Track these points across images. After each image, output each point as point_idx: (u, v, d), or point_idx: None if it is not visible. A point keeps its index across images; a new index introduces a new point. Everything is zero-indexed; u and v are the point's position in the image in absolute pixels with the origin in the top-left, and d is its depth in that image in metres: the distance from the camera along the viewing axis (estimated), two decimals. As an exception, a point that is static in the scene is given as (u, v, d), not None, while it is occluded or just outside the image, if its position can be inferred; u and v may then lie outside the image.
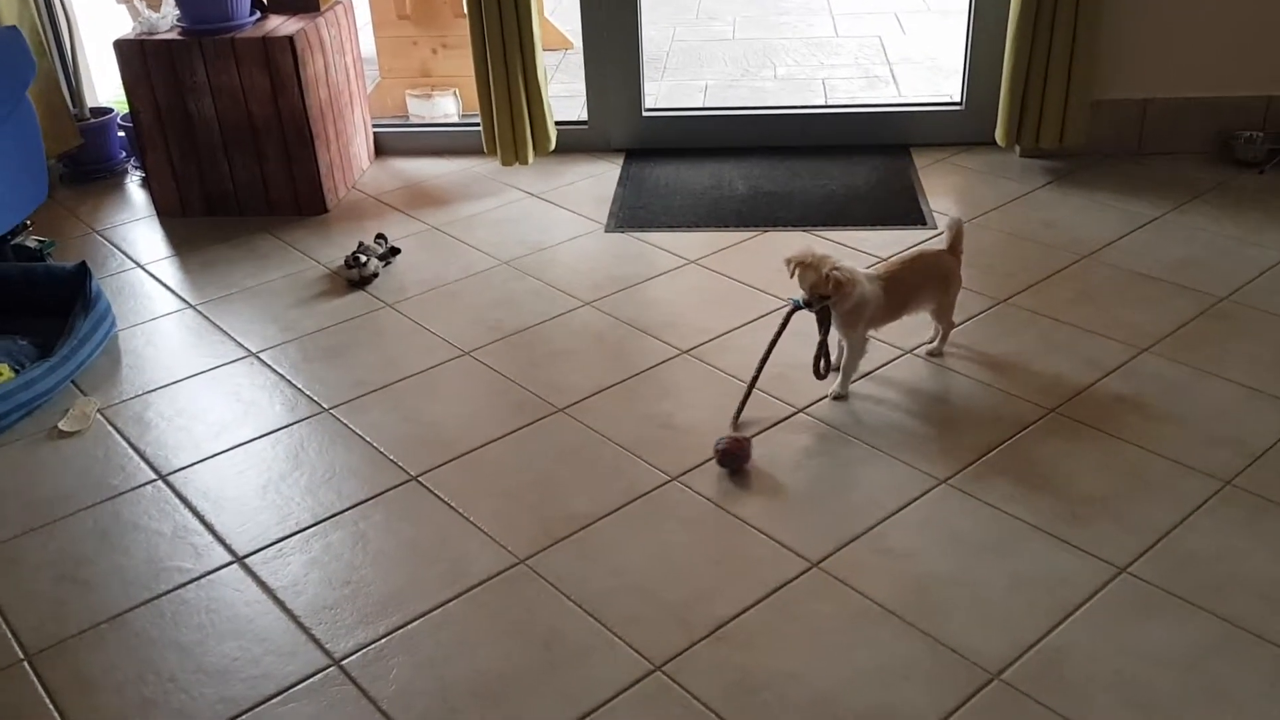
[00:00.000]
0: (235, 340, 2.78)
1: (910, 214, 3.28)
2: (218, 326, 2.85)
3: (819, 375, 2.40)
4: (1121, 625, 1.80)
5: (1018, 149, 3.62)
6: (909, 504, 2.09)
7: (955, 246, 2.50)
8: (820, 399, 2.41)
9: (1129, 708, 1.65)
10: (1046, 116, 3.41)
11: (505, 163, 3.58)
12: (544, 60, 3.54)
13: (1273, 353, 2.51)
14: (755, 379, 2.40)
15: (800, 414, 2.38)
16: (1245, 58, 3.45)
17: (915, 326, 2.62)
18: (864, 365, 2.50)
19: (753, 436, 2.29)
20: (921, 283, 2.45)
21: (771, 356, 2.40)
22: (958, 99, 3.75)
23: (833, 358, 2.46)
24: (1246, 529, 1.99)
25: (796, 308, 2.33)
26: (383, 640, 1.84)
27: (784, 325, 2.39)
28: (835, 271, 2.25)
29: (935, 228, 3.18)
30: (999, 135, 3.49)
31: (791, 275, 2.32)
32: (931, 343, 2.58)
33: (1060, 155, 3.60)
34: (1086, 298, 2.77)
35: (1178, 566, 1.91)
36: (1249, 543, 1.96)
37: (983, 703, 1.67)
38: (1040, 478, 2.14)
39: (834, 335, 2.38)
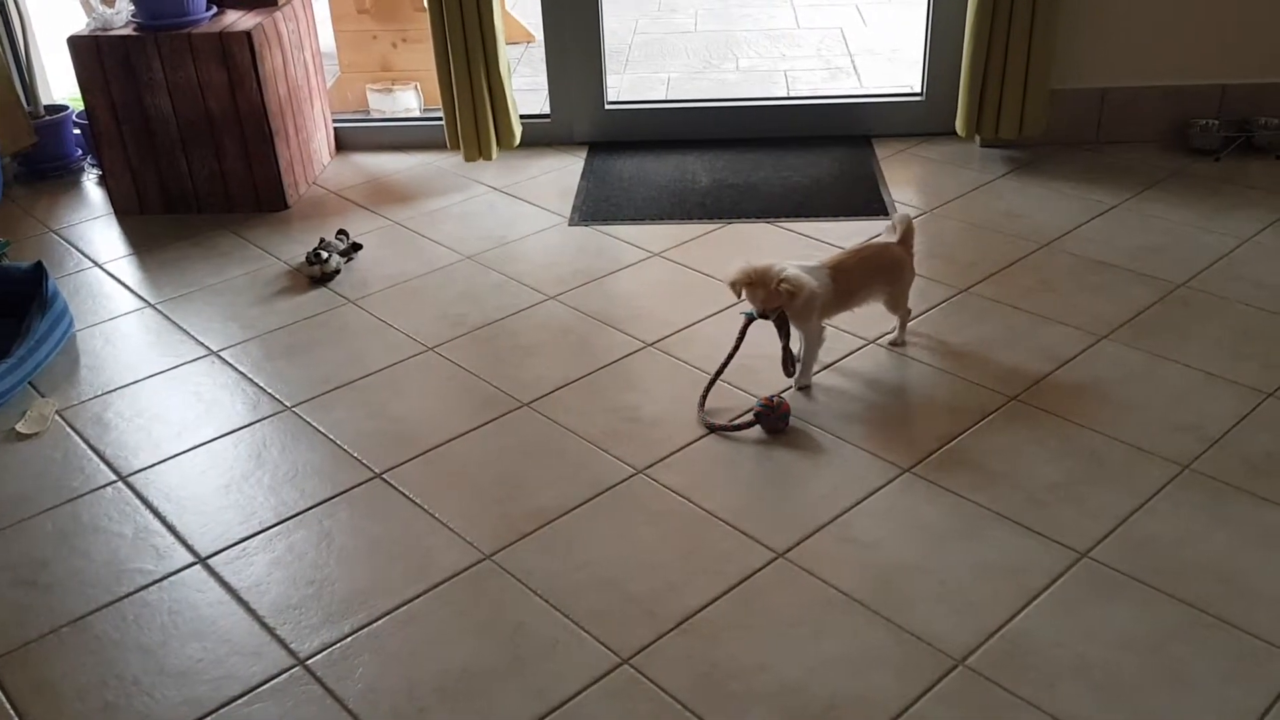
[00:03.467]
0: (195, 339, 2.75)
1: (872, 204, 3.29)
2: (178, 325, 2.82)
3: (790, 373, 2.42)
4: (1083, 610, 1.82)
5: (978, 139, 3.65)
6: (873, 493, 2.10)
7: (906, 240, 2.51)
8: (783, 390, 2.42)
9: (1092, 691, 1.67)
10: (1006, 107, 3.43)
11: (468, 158, 3.57)
12: (506, 54, 3.52)
13: (1229, 338, 2.54)
14: (713, 382, 2.42)
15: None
16: (1201, 47, 3.49)
17: (877, 317, 2.64)
18: (826, 356, 2.51)
19: (717, 429, 2.30)
20: (870, 272, 2.45)
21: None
22: (918, 90, 3.77)
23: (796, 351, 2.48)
24: (1205, 513, 2.02)
25: (752, 319, 2.35)
26: (348, 639, 1.83)
27: (742, 336, 2.40)
28: (785, 284, 2.25)
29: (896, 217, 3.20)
30: (959, 125, 3.52)
31: (739, 297, 2.33)
32: (892, 333, 2.59)
33: (1020, 145, 3.63)
34: (1046, 286, 2.80)
35: (1138, 551, 1.93)
36: (1208, 526, 1.98)
37: (948, 689, 1.68)
38: (1002, 465, 2.16)
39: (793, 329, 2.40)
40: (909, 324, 2.59)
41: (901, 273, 2.51)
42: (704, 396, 2.40)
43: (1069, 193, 3.32)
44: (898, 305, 2.54)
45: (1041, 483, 2.11)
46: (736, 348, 2.41)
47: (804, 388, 2.43)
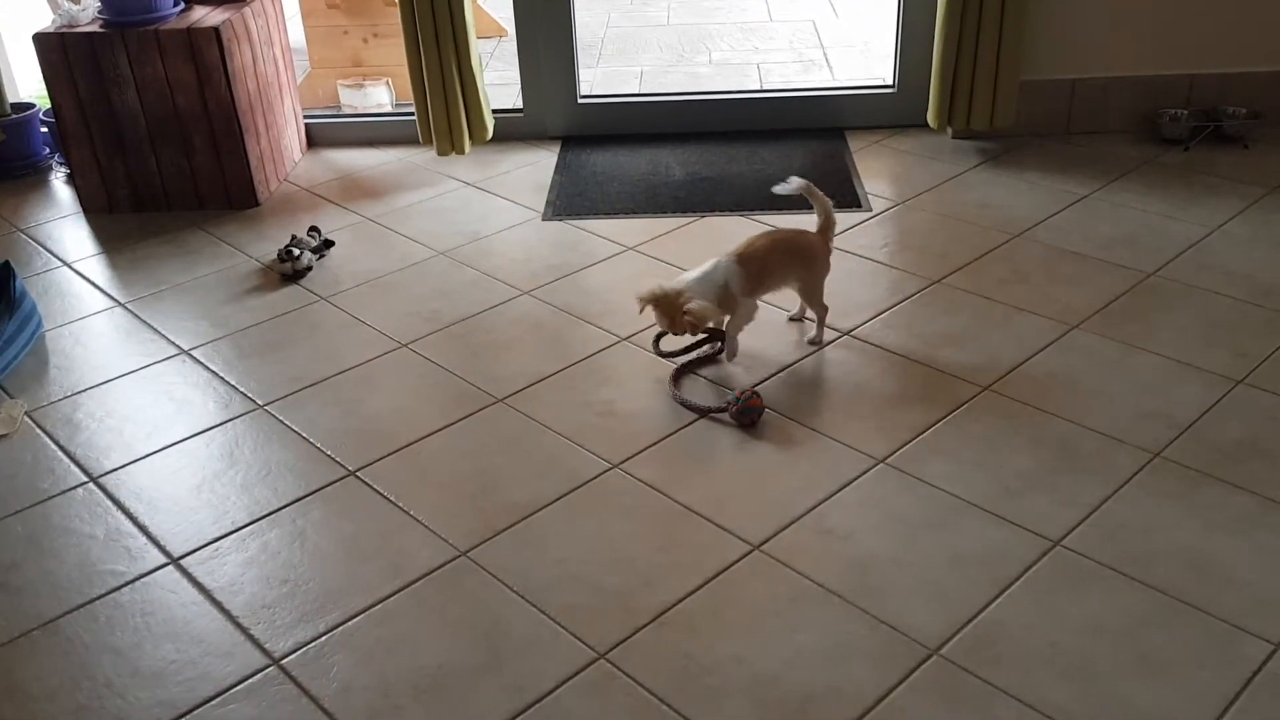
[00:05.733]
0: (166, 338, 2.73)
1: (844, 196, 3.30)
2: (148, 324, 2.80)
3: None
4: (1056, 598, 1.83)
5: (949, 131, 3.66)
6: (848, 484, 2.11)
7: (825, 230, 2.53)
8: (759, 383, 2.42)
9: (1065, 678, 1.68)
10: (977, 98, 3.45)
11: (441, 152, 3.55)
12: (478, 48, 3.51)
13: (1199, 326, 2.56)
14: (682, 370, 2.46)
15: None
16: (1169, 37, 3.51)
17: (847, 311, 2.65)
18: (799, 350, 2.54)
19: (694, 421, 2.31)
20: (780, 256, 2.47)
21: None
22: (890, 82, 3.78)
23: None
24: (1176, 500, 2.03)
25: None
26: (323, 638, 1.82)
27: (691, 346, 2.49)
28: (689, 317, 2.32)
29: (870, 210, 3.21)
30: (931, 117, 3.53)
31: (640, 312, 2.40)
32: (812, 330, 2.59)
33: (991, 136, 3.65)
34: (1018, 276, 2.81)
35: (1110, 538, 1.95)
36: (1178, 513, 2.00)
37: (923, 678, 1.69)
38: (975, 455, 2.17)
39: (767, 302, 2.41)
40: (826, 320, 2.57)
41: (814, 261, 2.51)
42: (675, 379, 2.43)
43: (1040, 183, 3.33)
44: (812, 296, 2.55)
45: (1014, 472, 2.12)
46: (691, 349, 2.50)
47: (730, 356, 2.49)
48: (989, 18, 3.32)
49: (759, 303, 2.50)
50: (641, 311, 2.38)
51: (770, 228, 2.57)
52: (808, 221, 3.17)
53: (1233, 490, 2.05)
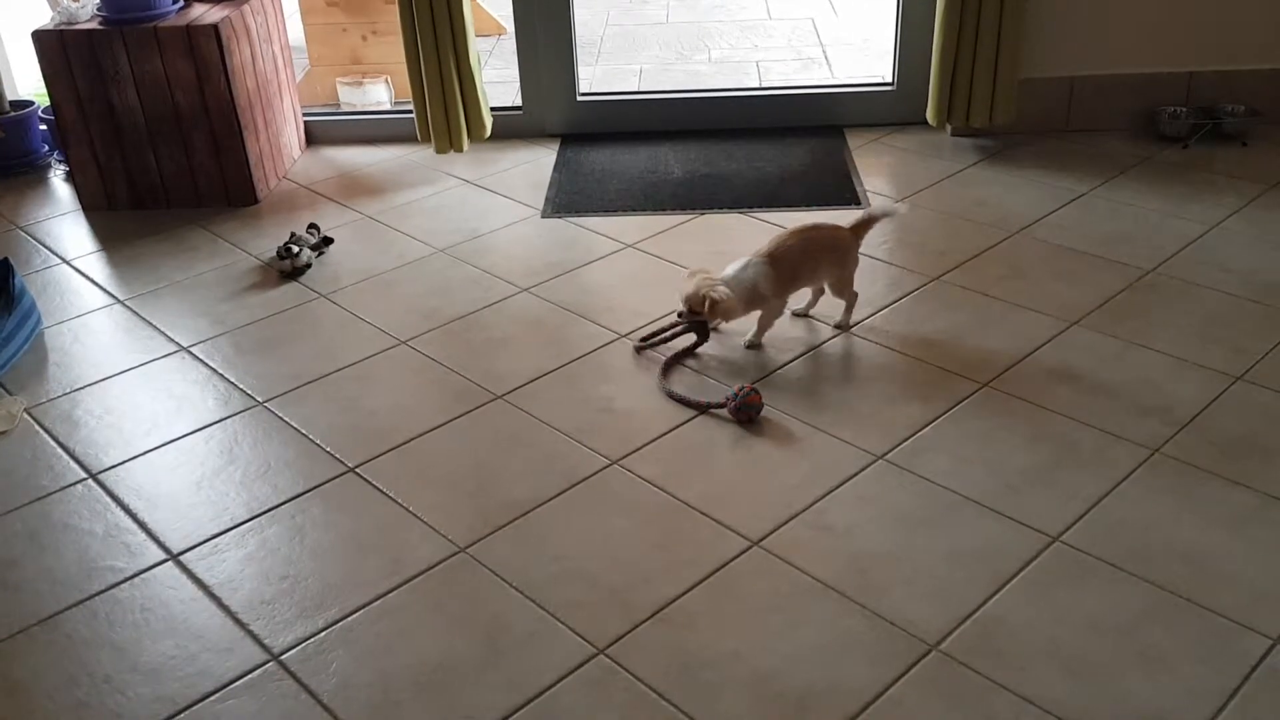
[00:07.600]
0: (165, 335, 2.73)
1: (844, 194, 3.30)
2: (147, 321, 2.80)
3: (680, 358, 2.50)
4: (1055, 593, 1.83)
5: (949, 128, 3.66)
6: (847, 480, 2.11)
7: (861, 227, 2.56)
8: (759, 380, 2.43)
9: (1064, 674, 1.68)
10: (976, 96, 3.45)
11: (439, 150, 3.55)
12: (476, 46, 3.51)
13: (1197, 323, 2.56)
14: (674, 361, 2.48)
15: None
16: (1168, 34, 3.51)
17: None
18: (800, 345, 2.53)
19: (693, 418, 2.31)
20: (814, 254, 2.51)
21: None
22: (889, 80, 3.78)
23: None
24: (1174, 495, 2.03)
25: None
26: (322, 633, 1.82)
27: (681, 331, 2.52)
28: (715, 305, 2.40)
29: (869, 207, 3.21)
30: (930, 115, 3.53)
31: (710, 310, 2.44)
32: (838, 315, 2.63)
33: (990, 134, 3.65)
34: (1017, 273, 2.81)
35: (1109, 534, 1.95)
36: (1177, 509, 2.00)
37: (921, 674, 1.69)
38: (974, 451, 2.17)
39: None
40: (854, 308, 2.61)
41: (845, 256, 2.54)
42: (665, 370, 2.45)
43: (1039, 180, 3.34)
44: (843, 289, 2.57)
45: (1013, 468, 2.12)
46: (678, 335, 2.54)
47: (753, 346, 2.53)
48: (988, 15, 3.32)
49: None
50: (710, 309, 2.42)
51: (808, 223, 2.56)
52: (807, 219, 3.17)
53: (1231, 486, 2.05)
